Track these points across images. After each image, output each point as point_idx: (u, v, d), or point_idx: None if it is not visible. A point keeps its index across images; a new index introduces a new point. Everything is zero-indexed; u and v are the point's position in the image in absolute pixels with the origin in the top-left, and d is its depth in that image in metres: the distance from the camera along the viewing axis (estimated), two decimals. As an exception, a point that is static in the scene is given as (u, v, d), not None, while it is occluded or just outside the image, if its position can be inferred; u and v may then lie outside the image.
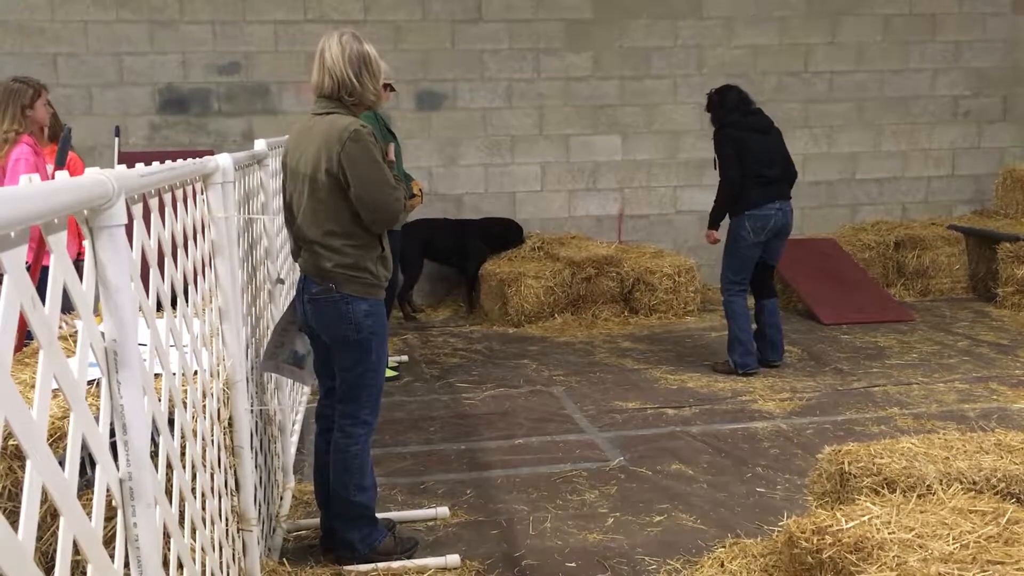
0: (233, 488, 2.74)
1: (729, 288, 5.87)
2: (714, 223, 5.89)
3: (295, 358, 3.48)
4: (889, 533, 2.48)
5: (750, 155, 5.67)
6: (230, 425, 2.75)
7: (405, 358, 6.55)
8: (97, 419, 1.39)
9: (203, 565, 2.15)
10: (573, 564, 3.43)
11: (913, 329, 7.16)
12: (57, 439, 2.40)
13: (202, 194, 2.58)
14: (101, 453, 1.37)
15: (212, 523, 2.32)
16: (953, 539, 2.41)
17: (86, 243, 1.42)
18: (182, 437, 2.00)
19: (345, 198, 3.13)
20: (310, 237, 3.21)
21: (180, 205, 2.23)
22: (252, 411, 3.03)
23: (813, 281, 7.84)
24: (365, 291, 3.21)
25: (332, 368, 3.38)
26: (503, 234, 8.01)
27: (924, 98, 9.08)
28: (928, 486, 2.87)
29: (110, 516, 1.50)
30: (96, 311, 1.41)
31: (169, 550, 1.80)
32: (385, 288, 3.32)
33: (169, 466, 1.84)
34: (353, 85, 3.17)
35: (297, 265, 3.40)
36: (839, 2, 8.77)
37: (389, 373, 5.82)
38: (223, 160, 2.65)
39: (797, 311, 7.84)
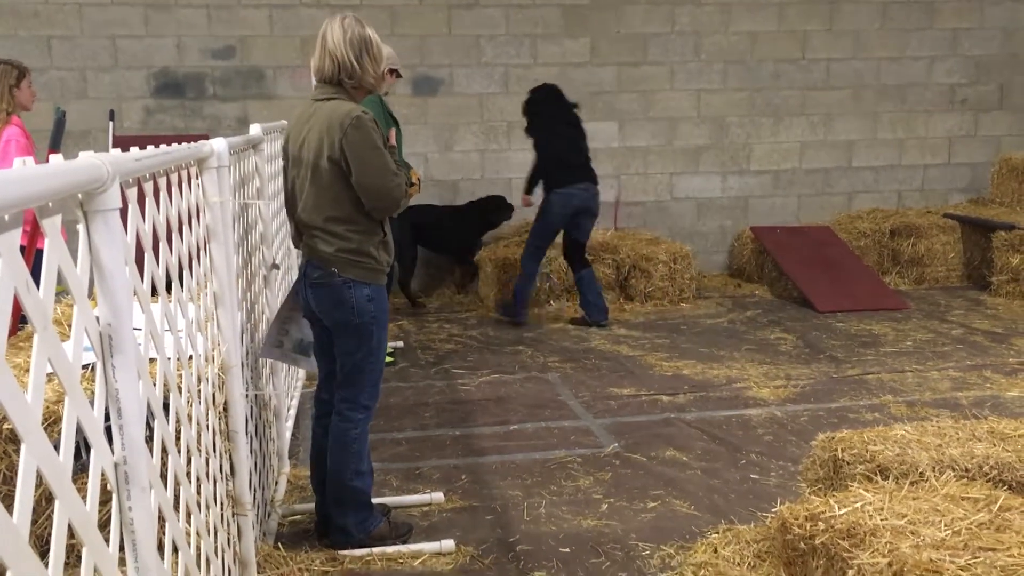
0: (228, 473, 2.75)
1: (529, 250, 6.91)
2: (529, 190, 6.97)
3: (300, 347, 3.48)
4: (881, 520, 2.49)
5: (558, 142, 6.70)
6: (225, 410, 2.75)
7: (401, 344, 6.55)
8: (92, 403, 1.39)
9: (198, 549, 2.16)
10: (567, 549, 3.44)
11: (907, 317, 7.18)
12: (52, 423, 2.40)
13: (197, 179, 2.57)
14: (96, 437, 1.37)
15: (207, 507, 2.32)
16: (945, 526, 2.43)
17: (80, 226, 1.41)
18: (177, 422, 2.00)
19: (347, 184, 3.14)
20: (312, 223, 3.21)
21: (175, 190, 2.22)
22: (247, 396, 3.03)
23: (808, 269, 7.85)
24: (367, 276, 3.21)
25: (332, 353, 3.38)
26: (492, 211, 7.96)
27: (921, 86, 9.07)
28: (921, 473, 2.89)
29: (105, 500, 1.50)
30: (91, 295, 1.40)
31: (164, 534, 1.81)
32: (387, 273, 3.32)
33: (164, 450, 1.84)
34: (354, 68, 3.17)
35: (293, 250, 3.39)
36: (837, -11, 8.75)
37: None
38: (218, 145, 2.64)
39: (792, 298, 7.85)
